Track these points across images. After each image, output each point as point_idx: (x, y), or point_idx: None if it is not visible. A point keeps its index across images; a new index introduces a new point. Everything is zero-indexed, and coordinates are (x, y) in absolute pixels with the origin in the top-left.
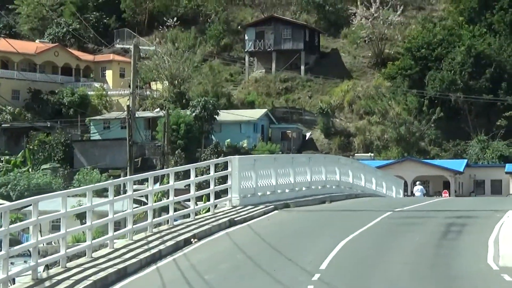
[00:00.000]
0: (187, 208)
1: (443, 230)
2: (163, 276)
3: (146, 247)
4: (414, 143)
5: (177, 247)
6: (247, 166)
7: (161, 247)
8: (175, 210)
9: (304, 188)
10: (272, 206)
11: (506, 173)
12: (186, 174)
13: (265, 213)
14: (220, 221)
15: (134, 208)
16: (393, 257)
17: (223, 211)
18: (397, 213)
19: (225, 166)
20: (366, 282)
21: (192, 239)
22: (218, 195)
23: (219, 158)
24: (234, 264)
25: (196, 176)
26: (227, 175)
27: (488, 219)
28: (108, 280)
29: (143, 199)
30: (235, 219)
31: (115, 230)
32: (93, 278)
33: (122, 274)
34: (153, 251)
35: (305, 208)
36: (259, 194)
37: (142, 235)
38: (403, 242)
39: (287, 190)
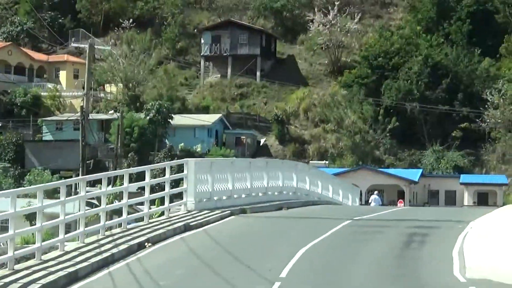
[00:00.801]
0: (138, 211)
1: (405, 240)
2: (116, 281)
3: (98, 250)
4: (369, 151)
5: (130, 251)
6: (204, 169)
7: (114, 250)
8: (128, 213)
9: (260, 194)
10: (229, 211)
11: (461, 184)
12: (138, 177)
13: (221, 218)
14: (175, 226)
15: (86, 210)
16: (356, 266)
17: (178, 215)
18: (357, 221)
19: (179, 169)
20: None
21: (146, 243)
22: (171, 199)
23: (175, 160)
24: (191, 270)
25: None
26: (181, 178)
27: (450, 229)
28: (58, 284)
29: (95, 201)
30: (191, 223)
31: (66, 232)
32: (42, 281)
33: (73, 278)
34: (105, 254)
35: (262, 214)
36: (215, 198)
37: (94, 238)
38: (365, 252)
39: (243, 195)
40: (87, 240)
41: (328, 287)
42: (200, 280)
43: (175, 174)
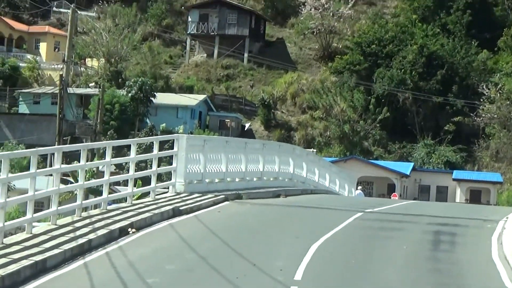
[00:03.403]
0: (116, 192)
1: (431, 239)
2: (93, 276)
3: (72, 235)
4: (357, 142)
5: (110, 238)
6: (196, 147)
7: (91, 236)
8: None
9: (255, 179)
10: (223, 196)
11: (454, 180)
12: (117, 155)
13: (214, 203)
14: (162, 209)
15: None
16: (384, 269)
17: (165, 197)
18: (368, 214)
19: (161, 148)
20: None
21: (129, 229)
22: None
23: (164, 135)
24: (184, 265)
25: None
26: (162, 159)
27: (479, 229)
28: (20, 277)
29: (70, 179)
30: (180, 208)
31: (35, 211)
32: (0, 272)
33: (40, 269)
34: (80, 240)
35: (259, 201)
36: (207, 181)
37: (68, 219)
38: (389, 251)
39: (237, 179)
40: (60, 222)
41: None
42: (197, 278)
43: (158, 152)
